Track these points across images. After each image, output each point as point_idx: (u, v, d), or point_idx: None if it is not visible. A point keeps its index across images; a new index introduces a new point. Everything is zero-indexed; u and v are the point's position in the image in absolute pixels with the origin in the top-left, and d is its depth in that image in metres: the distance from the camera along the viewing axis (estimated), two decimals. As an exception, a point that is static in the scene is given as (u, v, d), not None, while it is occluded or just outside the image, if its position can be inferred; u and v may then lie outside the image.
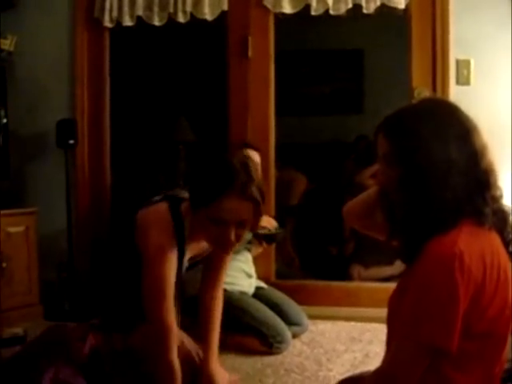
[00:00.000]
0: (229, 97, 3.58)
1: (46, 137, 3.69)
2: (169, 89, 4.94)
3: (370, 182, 1.61)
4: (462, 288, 1.36)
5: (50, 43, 3.73)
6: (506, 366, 1.59)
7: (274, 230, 3.08)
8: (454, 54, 3.31)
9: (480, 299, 1.40)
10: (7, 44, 3.57)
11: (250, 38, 3.52)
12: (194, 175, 2.04)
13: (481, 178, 1.47)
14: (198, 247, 2.18)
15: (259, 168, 3.16)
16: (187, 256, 2.16)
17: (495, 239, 1.48)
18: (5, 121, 3.61)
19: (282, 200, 3.84)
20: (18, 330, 3.02)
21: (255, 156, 3.17)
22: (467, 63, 3.30)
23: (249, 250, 3.18)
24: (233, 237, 1.94)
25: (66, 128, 3.58)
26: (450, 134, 1.46)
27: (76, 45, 3.67)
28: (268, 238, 3.10)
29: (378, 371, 1.50)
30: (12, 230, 3.35)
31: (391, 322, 1.54)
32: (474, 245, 1.41)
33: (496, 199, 1.49)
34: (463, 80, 3.29)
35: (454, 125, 1.48)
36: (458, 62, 3.30)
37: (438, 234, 1.42)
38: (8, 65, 3.62)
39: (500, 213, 1.49)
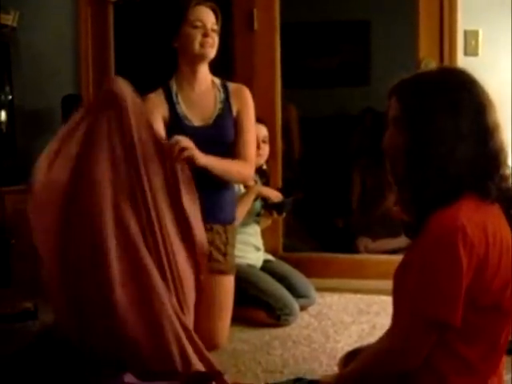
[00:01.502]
0: (234, 70, 3.56)
1: (52, 112, 3.68)
2: (174, 63, 4.90)
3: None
4: (464, 261, 1.37)
5: (54, 18, 3.70)
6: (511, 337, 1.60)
7: (284, 200, 3.08)
8: (462, 24, 3.27)
9: (484, 272, 1.40)
10: (10, 19, 3.54)
11: (255, 11, 3.49)
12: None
13: (489, 155, 1.46)
14: (200, 100, 2.53)
15: (267, 140, 3.16)
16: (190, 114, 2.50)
17: (498, 213, 1.48)
18: (10, 97, 3.60)
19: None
20: (29, 305, 3.05)
21: (262, 129, 3.16)
22: (475, 33, 3.26)
23: (257, 223, 3.19)
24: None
25: (72, 103, 3.57)
26: (464, 107, 1.44)
27: (80, 19, 3.64)
28: (278, 207, 3.10)
29: (383, 348, 1.51)
30: (19, 206, 3.35)
31: (397, 295, 1.55)
32: (477, 218, 1.41)
33: (504, 178, 1.48)
34: (471, 51, 3.26)
35: (469, 98, 1.46)
36: (465, 32, 3.27)
37: (440, 207, 1.42)
38: (11, 41, 3.60)
39: (508, 191, 1.49)
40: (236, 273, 2.96)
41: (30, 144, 3.76)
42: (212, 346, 2.45)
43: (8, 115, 3.58)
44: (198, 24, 2.52)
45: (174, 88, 2.59)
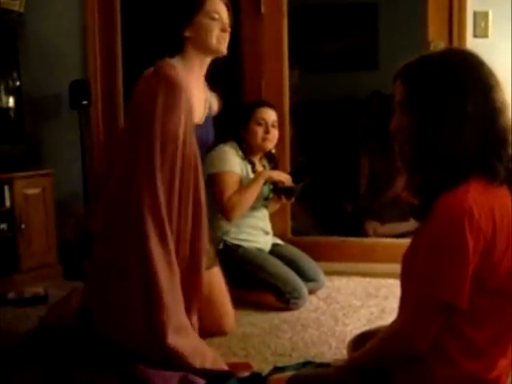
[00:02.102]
0: (242, 53, 3.55)
1: (60, 98, 3.69)
2: (176, 50, 4.86)
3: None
4: (471, 243, 1.36)
5: (61, 3, 3.69)
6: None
7: (293, 185, 3.08)
8: (472, 5, 3.23)
9: (491, 254, 1.40)
10: (17, 5, 3.53)
11: (262, -6, 3.47)
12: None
13: (497, 136, 1.45)
14: (197, 97, 2.38)
15: (276, 125, 3.16)
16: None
17: (506, 195, 1.47)
18: (18, 83, 3.60)
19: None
20: (39, 290, 3.07)
21: (271, 113, 3.16)
22: (485, 15, 3.22)
23: (266, 207, 3.19)
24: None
25: (80, 89, 3.58)
26: (469, 88, 1.43)
27: (87, 4, 3.63)
28: (287, 191, 3.10)
29: (392, 331, 1.51)
30: (29, 191, 3.38)
31: (405, 278, 1.55)
32: (484, 200, 1.40)
33: None
34: (481, 32, 3.22)
35: (475, 79, 1.45)
36: (475, 13, 3.23)
37: (447, 189, 1.42)
38: (19, 26, 3.59)
39: None
40: (245, 256, 2.99)
41: (38, 130, 3.77)
42: (222, 331, 2.50)
43: (16, 101, 3.58)
44: (216, 16, 2.38)
45: None
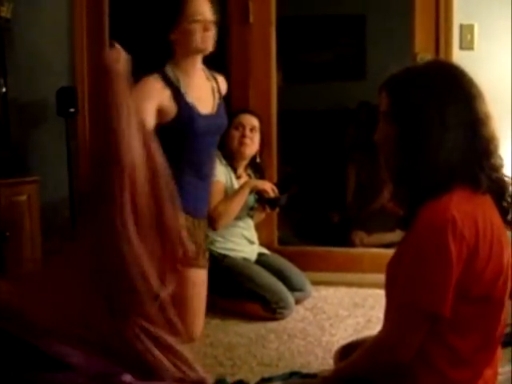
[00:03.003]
0: (230, 63, 3.55)
1: (47, 105, 3.66)
2: (167, 52, 4.87)
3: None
4: (454, 252, 1.38)
5: (49, 10, 3.67)
6: (506, 330, 1.61)
7: (277, 195, 3.08)
8: (458, 18, 3.26)
9: (474, 263, 1.41)
10: (4, 11, 3.51)
11: (250, 4, 3.47)
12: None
13: (480, 146, 1.46)
14: (200, 91, 2.49)
15: (256, 130, 3.15)
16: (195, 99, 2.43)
17: (489, 204, 1.49)
18: (4, 90, 3.58)
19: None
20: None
21: (250, 118, 3.16)
22: (471, 28, 3.26)
23: (251, 217, 3.19)
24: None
25: (67, 96, 3.56)
26: (450, 98, 1.45)
27: (75, 11, 3.61)
28: (271, 202, 3.10)
29: (376, 341, 1.51)
30: (14, 198, 3.35)
31: (389, 287, 1.55)
32: (467, 209, 1.42)
33: (496, 168, 1.49)
34: (467, 45, 3.25)
35: (456, 89, 1.47)
36: (461, 26, 3.26)
37: (430, 198, 1.43)
38: (6, 32, 3.57)
39: (499, 182, 1.50)
40: (231, 266, 2.98)
41: (24, 137, 3.75)
42: (190, 337, 2.44)
43: (2, 108, 3.56)
44: (198, 18, 2.43)
45: (177, 77, 2.48)
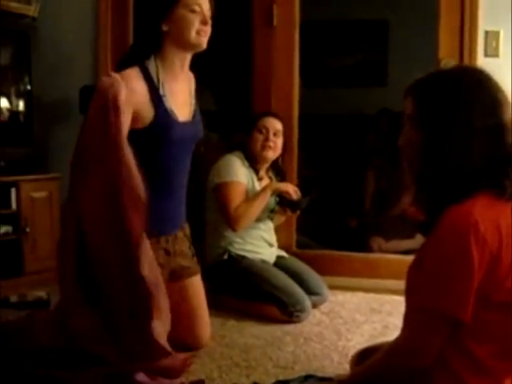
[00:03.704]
0: (253, 66, 3.56)
1: (70, 103, 3.69)
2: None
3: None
4: (476, 257, 1.37)
5: (74, 8, 3.71)
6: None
7: (299, 198, 3.08)
8: (483, 24, 3.24)
9: (497, 269, 1.40)
10: (31, 10, 3.56)
11: (274, 7, 3.48)
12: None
13: (505, 152, 1.46)
14: (181, 95, 2.29)
15: (279, 135, 3.15)
16: (175, 109, 2.23)
17: None
18: (29, 87, 3.62)
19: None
20: (42, 294, 3.07)
21: (274, 122, 3.16)
22: (496, 34, 3.23)
23: (271, 219, 3.19)
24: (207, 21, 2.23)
25: (90, 94, 3.56)
26: (477, 104, 1.45)
27: (100, 10, 3.65)
28: (293, 205, 3.10)
29: (395, 345, 1.51)
30: (35, 195, 3.38)
31: (409, 292, 1.54)
32: (491, 215, 1.41)
33: None
34: (492, 51, 3.23)
35: (483, 95, 1.46)
36: (486, 33, 3.24)
37: (454, 203, 1.42)
38: (32, 31, 3.62)
39: None
40: (249, 268, 2.98)
41: (47, 134, 3.78)
42: (198, 344, 2.41)
43: (26, 105, 3.60)
44: (196, 8, 2.21)
45: (158, 76, 2.24)
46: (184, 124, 2.29)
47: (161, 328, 2.06)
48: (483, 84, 1.48)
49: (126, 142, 2.02)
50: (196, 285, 2.47)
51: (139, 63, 2.23)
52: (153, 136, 2.20)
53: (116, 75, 2.12)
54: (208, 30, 2.26)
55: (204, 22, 2.24)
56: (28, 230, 3.30)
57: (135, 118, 2.15)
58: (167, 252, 2.35)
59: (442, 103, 1.46)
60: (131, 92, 2.11)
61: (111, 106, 2.02)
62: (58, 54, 3.74)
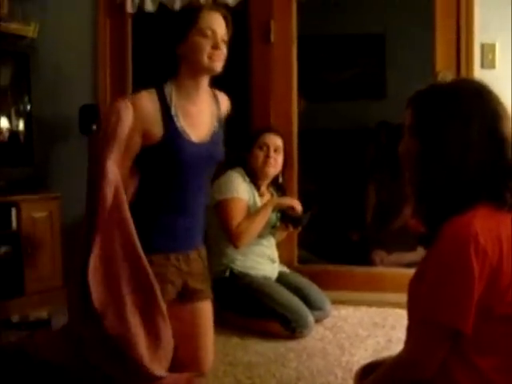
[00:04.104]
0: (251, 82, 3.57)
1: (70, 123, 3.70)
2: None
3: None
4: (476, 268, 1.36)
5: (73, 29, 3.74)
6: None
7: (301, 214, 3.08)
8: (479, 37, 3.26)
9: (498, 281, 1.39)
10: (31, 31, 3.59)
11: (272, 23, 3.51)
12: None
13: (505, 165, 1.45)
14: (198, 116, 2.30)
15: (280, 151, 3.16)
16: (188, 129, 2.25)
17: None
18: (28, 107, 3.63)
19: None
20: (43, 314, 3.06)
21: (275, 138, 3.17)
22: (492, 47, 3.25)
23: (273, 235, 3.19)
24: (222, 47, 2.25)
25: (89, 114, 3.60)
26: (475, 116, 1.45)
27: (99, 31, 3.68)
28: (295, 221, 3.10)
29: (398, 358, 1.50)
30: (36, 215, 3.38)
31: (411, 304, 1.54)
32: (491, 226, 1.40)
33: None
34: (488, 63, 3.25)
35: (482, 106, 1.46)
36: (482, 45, 3.26)
37: (453, 215, 1.42)
38: (31, 51, 3.64)
39: None
40: (251, 284, 2.97)
41: (47, 154, 3.79)
42: (200, 370, 2.33)
43: (26, 125, 3.61)
44: (209, 33, 2.22)
45: (171, 97, 2.26)
46: (198, 144, 2.27)
47: (152, 354, 2.08)
48: (483, 97, 1.48)
49: (112, 170, 2.10)
50: (206, 310, 2.39)
51: (157, 86, 2.28)
52: (164, 152, 2.22)
53: (128, 99, 2.20)
54: (221, 54, 2.25)
55: (215, 47, 2.24)
56: (29, 250, 3.29)
57: (146, 134, 2.20)
58: (179, 270, 2.28)
59: (438, 114, 1.46)
60: (140, 109, 2.18)
61: (109, 133, 2.13)
62: (57, 73, 3.76)
